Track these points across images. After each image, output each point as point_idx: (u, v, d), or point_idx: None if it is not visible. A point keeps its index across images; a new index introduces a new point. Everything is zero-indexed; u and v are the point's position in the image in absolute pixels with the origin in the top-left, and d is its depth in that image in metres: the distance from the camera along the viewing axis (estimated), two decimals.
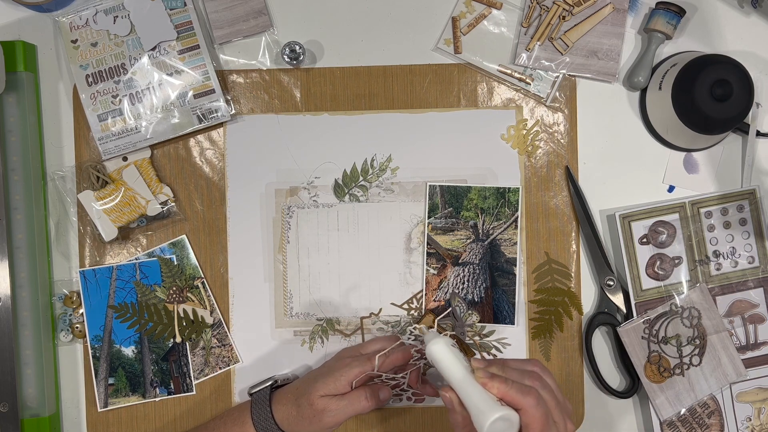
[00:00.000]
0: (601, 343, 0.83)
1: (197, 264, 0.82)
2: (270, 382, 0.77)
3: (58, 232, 0.82)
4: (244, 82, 0.82)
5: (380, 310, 0.82)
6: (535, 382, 0.60)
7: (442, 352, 0.62)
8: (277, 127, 0.82)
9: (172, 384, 0.81)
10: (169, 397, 0.81)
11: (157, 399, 0.81)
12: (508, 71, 0.82)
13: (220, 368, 0.82)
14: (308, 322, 0.82)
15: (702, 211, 0.81)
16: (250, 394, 0.76)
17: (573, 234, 0.82)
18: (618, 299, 0.81)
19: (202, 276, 0.82)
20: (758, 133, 0.82)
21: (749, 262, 0.81)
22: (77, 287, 0.82)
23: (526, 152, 0.82)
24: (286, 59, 0.80)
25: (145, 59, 0.80)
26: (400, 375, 0.72)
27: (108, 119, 0.80)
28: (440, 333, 0.65)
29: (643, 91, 0.83)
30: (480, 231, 0.82)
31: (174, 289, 0.81)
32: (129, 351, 0.81)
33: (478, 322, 0.82)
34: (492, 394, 0.58)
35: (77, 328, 0.81)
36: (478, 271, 0.81)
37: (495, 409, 0.57)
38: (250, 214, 0.82)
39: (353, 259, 0.82)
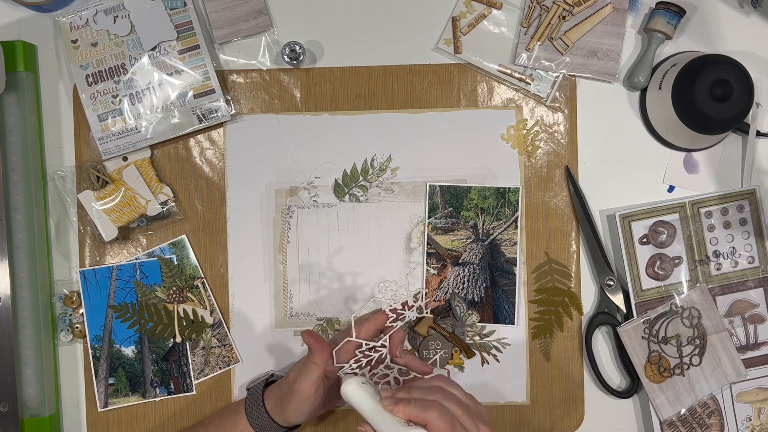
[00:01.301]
0: (601, 343, 0.83)
1: (197, 264, 0.82)
2: (266, 376, 0.77)
3: (58, 232, 0.82)
4: (244, 82, 0.82)
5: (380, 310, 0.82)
6: (437, 395, 0.63)
7: (352, 390, 0.65)
8: (277, 127, 0.82)
9: (172, 384, 0.81)
10: (169, 397, 0.82)
11: (157, 399, 0.81)
12: (508, 71, 0.82)
13: (220, 368, 0.82)
14: (308, 322, 0.82)
15: (702, 211, 0.81)
16: (247, 389, 0.77)
17: (573, 234, 0.82)
18: (618, 299, 0.81)
19: (202, 276, 0.82)
20: (758, 133, 0.82)
21: (749, 262, 0.81)
22: (77, 287, 0.82)
23: (526, 152, 0.82)
24: (286, 59, 0.80)
25: (145, 59, 0.80)
26: (380, 342, 0.72)
27: (108, 119, 0.80)
28: (357, 374, 0.69)
29: (643, 91, 0.83)
30: (480, 231, 0.82)
31: (174, 289, 0.81)
32: (129, 351, 0.81)
33: (478, 322, 0.82)
34: (399, 417, 0.62)
35: (77, 328, 0.81)
36: (478, 271, 0.81)
37: (400, 431, 0.61)
38: (250, 214, 0.82)
39: (353, 259, 0.82)
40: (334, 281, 0.82)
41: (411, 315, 0.72)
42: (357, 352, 0.71)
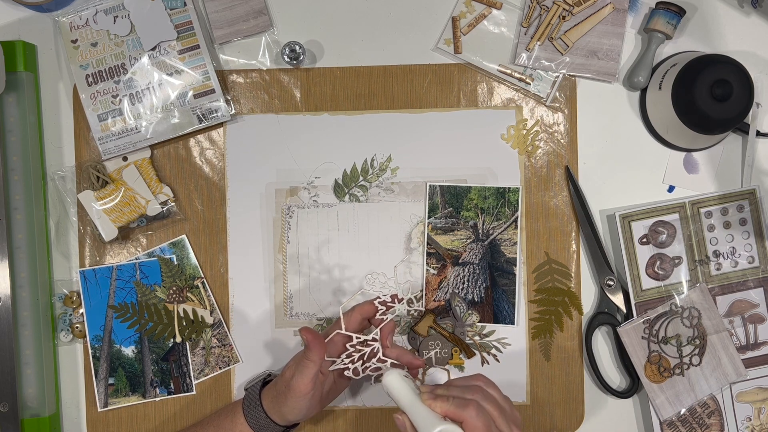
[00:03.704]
0: (601, 343, 0.83)
1: (197, 264, 0.82)
2: (263, 376, 0.78)
3: (58, 232, 0.82)
4: (244, 82, 0.82)
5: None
6: (476, 394, 0.64)
7: (393, 381, 0.67)
8: (277, 127, 0.82)
9: (172, 384, 0.81)
10: (169, 397, 0.82)
11: (157, 399, 0.81)
12: (508, 71, 0.82)
13: (220, 368, 0.82)
14: (308, 322, 0.82)
15: (702, 211, 0.81)
16: (245, 389, 0.77)
17: (573, 234, 0.82)
18: (618, 299, 0.81)
19: (202, 276, 0.82)
20: (758, 133, 0.82)
21: (749, 262, 0.81)
22: (77, 287, 0.82)
23: (526, 152, 0.82)
24: (286, 59, 0.80)
25: (145, 59, 0.80)
26: (371, 336, 0.72)
27: (108, 119, 0.80)
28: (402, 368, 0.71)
29: (643, 91, 0.83)
30: (480, 231, 0.82)
31: (174, 289, 0.81)
32: (129, 351, 0.81)
33: (478, 322, 0.82)
34: (437, 412, 0.63)
35: (77, 328, 0.81)
36: (478, 271, 0.81)
37: (436, 424, 0.62)
38: (250, 214, 0.82)
39: (353, 260, 0.82)
40: (334, 281, 0.82)
41: (400, 307, 0.73)
42: (348, 345, 0.72)
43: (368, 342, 0.72)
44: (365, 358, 0.72)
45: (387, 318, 0.72)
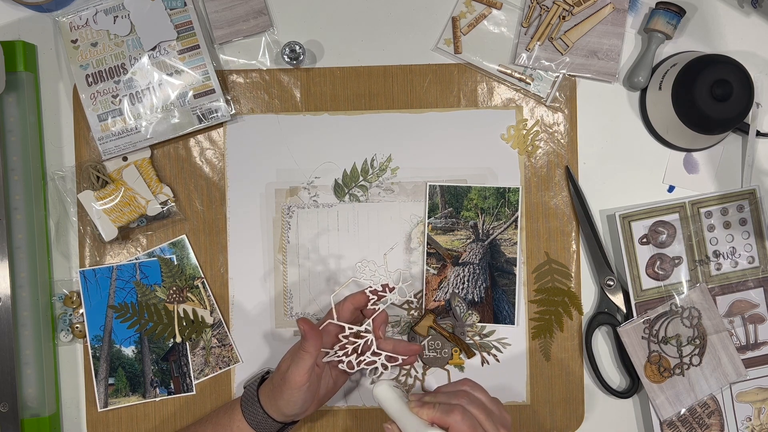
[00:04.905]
0: (601, 343, 0.83)
1: (197, 264, 0.82)
2: (262, 373, 0.78)
3: (58, 232, 0.82)
4: (244, 82, 0.82)
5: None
6: (461, 399, 0.66)
7: (382, 391, 0.69)
8: (277, 127, 0.82)
9: (172, 384, 0.81)
10: (169, 397, 0.82)
11: (157, 399, 0.81)
12: (508, 71, 0.82)
13: (220, 368, 0.82)
14: None
15: (702, 211, 0.81)
16: (244, 387, 0.77)
17: (573, 234, 0.82)
18: (618, 299, 0.81)
19: (202, 276, 0.82)
20: (758, 133, 0.82)
21: (749, 262, 0.81)
22: (77, 287, 0.82)
23: (526, 152, 0.82)
24: (286, 59, 0.80)
25: (145, 59, 0.80)
26: (363, 327, 0.72)
27: (108, 119, 0.80)
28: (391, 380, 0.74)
29: (643, 91, 0.83)
30: (480, 231, 0.82)
31: (174, 289, 0.81)
32: (129, 351, 0.81)
33: (478, 322, 0.82)
34: (423, 419, 0.65)
35: (77, 328, 0.81)
36: (478, 271, 0.81)
37: (422, 430, 0.64)
38: (250, 214, 0.82)
39: (353, 259, 0.82)
40: (334, 281, 0.82)
41: (392, 297, 0.73)
42: (341, 337, 0.72)
43: (361, 333, 0.72)
44: (359, 351, 0.72)
45: (379, 308, 0.73)
